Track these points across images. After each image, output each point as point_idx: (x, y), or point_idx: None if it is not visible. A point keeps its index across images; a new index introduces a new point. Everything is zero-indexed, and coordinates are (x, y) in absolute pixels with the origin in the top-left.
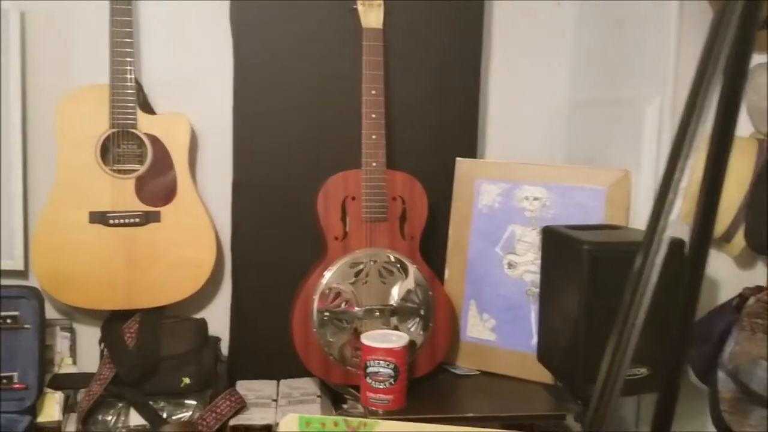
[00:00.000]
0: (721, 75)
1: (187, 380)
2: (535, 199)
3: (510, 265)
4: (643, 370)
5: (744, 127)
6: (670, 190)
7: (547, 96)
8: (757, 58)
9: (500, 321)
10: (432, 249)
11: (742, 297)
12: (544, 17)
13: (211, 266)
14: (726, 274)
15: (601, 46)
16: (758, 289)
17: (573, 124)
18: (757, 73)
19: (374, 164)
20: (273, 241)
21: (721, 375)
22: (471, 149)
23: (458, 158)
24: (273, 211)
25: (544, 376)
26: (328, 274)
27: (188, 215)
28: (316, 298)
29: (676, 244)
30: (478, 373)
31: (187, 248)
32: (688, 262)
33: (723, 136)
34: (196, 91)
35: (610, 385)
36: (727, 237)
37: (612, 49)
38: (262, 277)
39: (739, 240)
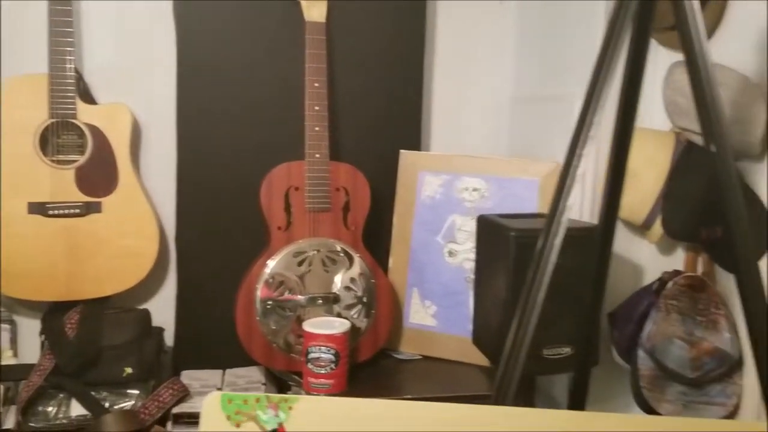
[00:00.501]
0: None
1: (129, 370)
2: (475, 190)
3: (451, 254)
4: (566, 350)
5: (663, 121)
6: (569, 177)
7: (491, 91)
8: (673, 57)
9: (441, 307)
10: (377, 239)
11: (662, 281)
12: (486, 15)
13: (154, 257)
14: (648, 260)
15: (540, 45)
16: (676, 273)
17: (515, 118)
18: (672, 71)
19: (317, 156)
20: (218, 231)
21: (640, 354)
22: (415, 142)
23: (402, 150)
24: (217, 202)
25: (481, 358)
26: (271, 264)
27: (130, 205)
28: (260, 287)
29: (592, 231)
30: (420, 357)
31: (129, 239)
32: (596, 244)
33: (623, 128)
34: (139, 82)
35: (514, 358)
36: (647, 225)
37: (549, 48)
38: (207, 268)
39: (658, 228)
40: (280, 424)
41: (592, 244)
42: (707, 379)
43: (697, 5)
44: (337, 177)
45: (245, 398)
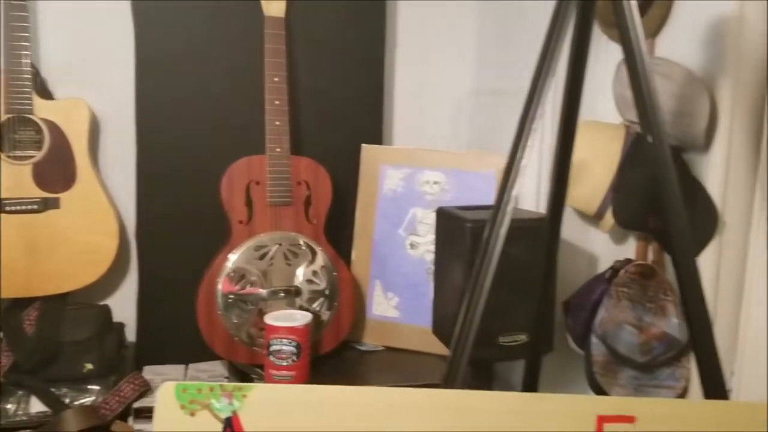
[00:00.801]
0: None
1: (89, 366)
2: (435, 183)
3: (412, 246)
4: (522, 337)
5: (614, 115)
6: (513, 168)
7: (451, 86)
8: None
9: (403, 298)
10: (339, 232)
11: (614, 269)
12: (447, 10)
13: (113, 252)
14: (602, 249)
15: (499, 40)
16: (627, 262)
17: (475, 112)
18: (621, 67)
19: (278, 150)
20: (178, 226)
21: (594, 340)
22: (376, 136)
23: (364, 145)
24: (178, 197)
25: (443, 348)
26: (233, 257)
27: (89, 201)
28: (221, 281)
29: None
30: (383, 348)
31: (88, 234)
32: (545, 234)
33: (568, 121)
34: (97, 77)
35: (462, 343)
36: (599, 215)
37: (507, 43)
38: (168, 263)
39: (609, 218)
40: (234, 412)
41: (557, 235)
42: (657, 363)
43: (634, 4)
44: (298, 171)
45: (199, 387)
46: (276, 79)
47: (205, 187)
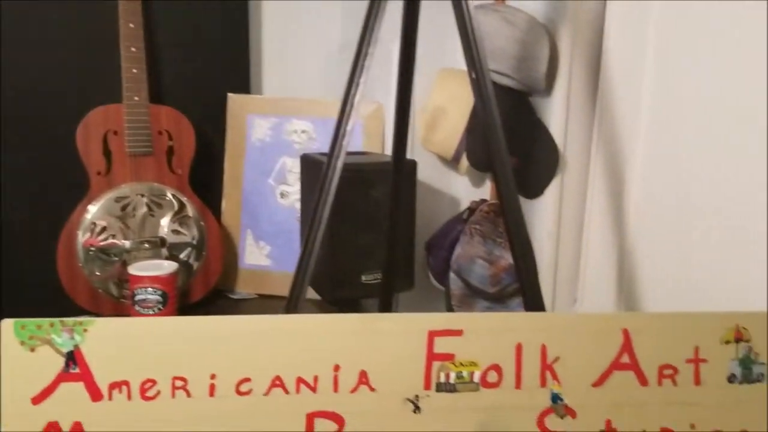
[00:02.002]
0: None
1: None
2: (303, 132)
3: (282, 195)
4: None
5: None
6: (348, 103)
7: (321, 36)
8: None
9: (275, 247)
10: (209, 183)
11: (470, 209)
12: None
13: None
14: (463, 192)
15: None
16: (482, 202)
17: (346, 63)
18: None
19: (136, 98)
20: (40, 178)
21: (452, 276)
22: (244, 85)
23: (230, 94)
24: (36, 150)
25: (314, 293)
26: (92, 209)
27: None
28: (81, 233)
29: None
30: (256, 296)
31: None
32: (391, 176)
33: (405, 69)
34: None
35: (303, 269)
36: (456, 158)
37: None
38: (30, 216)
39: (465, 160)
40: (76, 346)
41: (403, 177)
42: (506, 293)
43: None
44: (158, 120)
45: (38, 323)
46: (131, 25)
47: (64, 137)
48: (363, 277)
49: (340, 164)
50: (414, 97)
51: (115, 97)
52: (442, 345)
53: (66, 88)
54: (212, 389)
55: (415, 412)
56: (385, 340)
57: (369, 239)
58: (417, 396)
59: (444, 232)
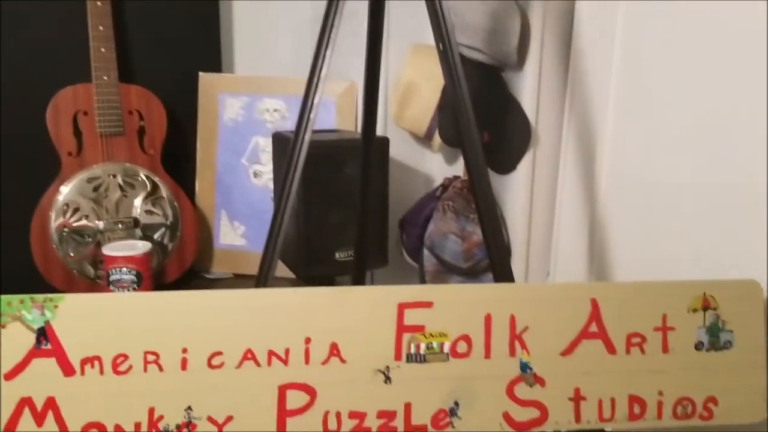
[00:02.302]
0: None
1: None
2: (275, 110)
3: (256, 174)
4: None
5: None
6: (315, 76)
7: (292, 12)
8: None
9: (249, 227)
10: (183, 163)
11: (443, 186)
12: None
13: None
14: (436, 169)
15: None
16: (455, 179)
17: (315, 39)
18: None
19: (105, 78)
20: (12, 160)
21: (425, 252)
22: (215, 64)
23: (201, 73)
24: (9, 130)
25: (288, 272)
26: (64, 190)
27: None
28: (53, 215)
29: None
30: (231, 276)
31: None
32: (360, 154)
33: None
34: None
35: (273, 243)
36: (429, 135)
37: None
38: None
39: (438, 137)
40: (47, 323)
41: (373, 154)
42: (479, 268)
43: None
44: (129, 100)
45: (8, 300)
46: (99, 3)
47: (34, 119)
48: (337, 255)
49: (307, 137)
50: (387, 74)
51: (85, 76)
52: (411, 317)
53: (34, 67)
54: (184, 363)
55: (385, 382)
56: (355, 313)
57: (342, 217)
58: (387, 367)
59: (417, 209)
